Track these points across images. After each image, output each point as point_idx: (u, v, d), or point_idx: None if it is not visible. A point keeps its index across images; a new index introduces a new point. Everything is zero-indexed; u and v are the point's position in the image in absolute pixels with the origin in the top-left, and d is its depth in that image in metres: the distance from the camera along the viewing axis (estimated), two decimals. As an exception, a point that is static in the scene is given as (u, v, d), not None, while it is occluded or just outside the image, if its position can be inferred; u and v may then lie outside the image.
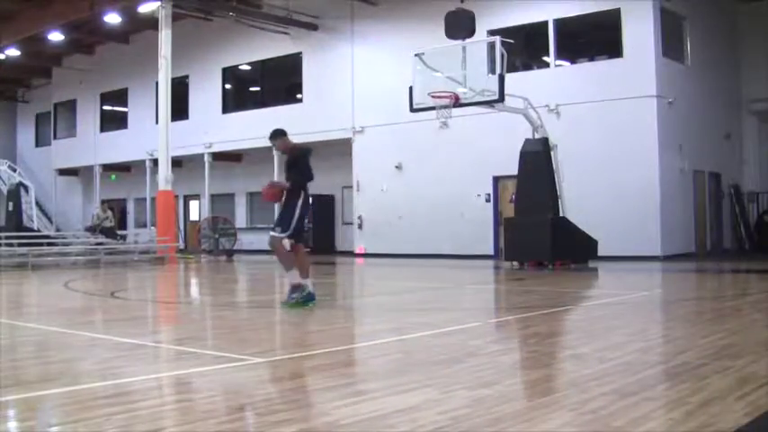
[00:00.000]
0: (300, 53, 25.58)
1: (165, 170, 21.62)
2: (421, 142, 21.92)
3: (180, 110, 26.06)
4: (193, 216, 30.81)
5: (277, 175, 25.49)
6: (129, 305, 10.42)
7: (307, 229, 9.37)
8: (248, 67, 27.86)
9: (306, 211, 8.75)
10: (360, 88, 23.82)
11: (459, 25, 16.34)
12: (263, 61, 26.82)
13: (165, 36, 21.43)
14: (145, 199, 30.15)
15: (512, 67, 17.71)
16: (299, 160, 8.89)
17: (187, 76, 28.12)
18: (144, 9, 22.71)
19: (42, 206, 33.88)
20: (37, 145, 37.77)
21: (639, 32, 18.64)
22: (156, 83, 22.82)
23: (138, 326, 8.06)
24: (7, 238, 22.25)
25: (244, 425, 3.79)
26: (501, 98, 15.22)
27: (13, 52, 28.62)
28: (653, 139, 18.39)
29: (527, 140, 16.56)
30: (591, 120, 18.98)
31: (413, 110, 16.50)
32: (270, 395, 4.36)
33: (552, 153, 16.41)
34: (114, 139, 31.50)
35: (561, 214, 16.33)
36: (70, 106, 34.48)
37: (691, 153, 19.67)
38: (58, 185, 34.67)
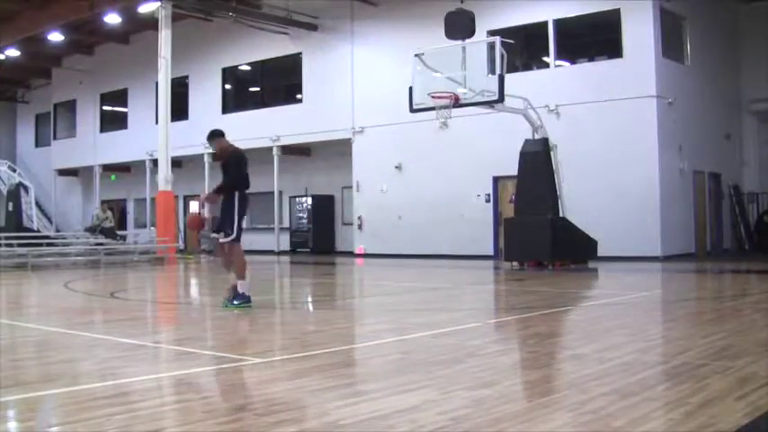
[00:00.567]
0: (300, 53, 25.59)
1: (164, 170, 21.63)
2: (421, 143, 21.92)
3: (180, 110, 26.08)
4: (193, 216, 30.80)
5: (277, 175, 25.56)
6: (128, 305, 10.42)
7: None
8: (248, 68, 27.86)
9: (244, 211, 8.79)
10: (360, 88, 23.83)
11: (459, 25, 16.35)
12: (262, 61, 26.83)
13: (164, 36, 21.44)
14: (145, 199, 30.16)
15: (512, 68, 17.72)
16: (231, 168, 8.84)
17: (187, 77, 28.14)
18: (144, 9, 22.73)
19: (42, 206, 33.89)
20: (37, 145, 37.77)
21: (639, 33, 18.64)
22: (156, 83, 22.83)
23: (138, 326, 8.06)
24: (7, 238, 22.25)
25: (243, 425, 3.79)
26: (501, 98, 15.23)
27: (13, 52, 28.65)
28: (653, 139, 18.39)
29: (527, 141, 16.56)
30: (591, 120, 18.98)
31: (413, 110, 16.50)
32: (269, 395, 4.36)
33: (552, 153, 16.42)
34: (114, 140, 31.50)
35: (561, 214, 16.33)
36: (70, 106, 34.49)
37: (691, 153, 19.67)
38: (57, 186, 34.68)
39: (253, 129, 25.73)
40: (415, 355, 5.69)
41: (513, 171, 16.93)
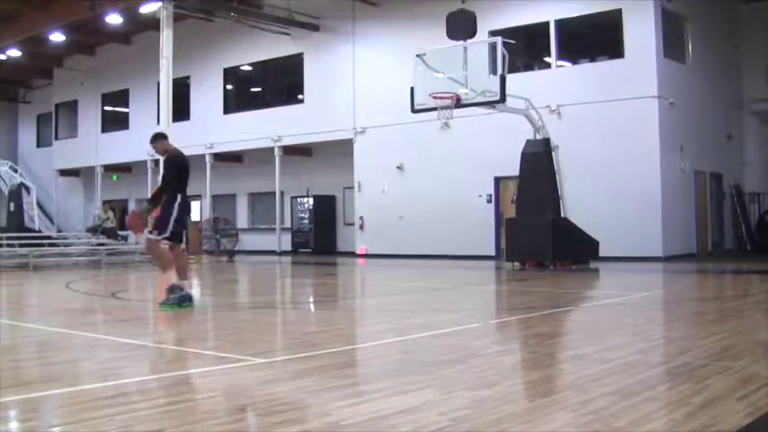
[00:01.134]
0: (302, 54, 25.59)
1: (165, 171, 21.59)
2: (422, 143, 21.92)
3: (181, 110, 26.07)
4: (194, 217, 30.81)
5: (278, 176, 25.57)
6: (130, 306, 10.43)
7: (183, 231, 9.49)
8: (249, 68, 27.87)
9: (183, 214, 8.88)
10: (361, 89, 23.83)
11: (461, 26, 16.35)
12: (264, 62, 26.84)
13: (166, 37, 21.43)
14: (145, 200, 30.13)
15: (513, 68, 17.73)
16: (169, 170, 8.99)
17: (188, 77, 28.14)
18: (145, 10, 22.71)
19: (43, 207, 33.93)
20: (38, 145, 37.80)
21: (641, 33, 18.63)
22: (158, 83, 22.81)
23: (140, 326, 8.06)
24: (8, 238, 22.27)
25: (245, 425, 3.79)
26: (502, 99, 15.23)
27: (15, 53, 28.69)
28: (654, 139, 18.38)
29: (528, 141, 16.55)
30: (592, 120, 18.98)
31: (414, 110, 16.51)
32: (271, 396, 4.36)
33: (553, 154, 16.41)
34: (115, 140, 31.52)
35: (562, 215, 16.33)
36: (71, 107, 34.51)
37: (692, 154, 19.66)
38: (59, 186, 34.70)
39: (254, 129, 25.78)
40: (417, 356, 5.69)
41: (515, 171, 16.92)
